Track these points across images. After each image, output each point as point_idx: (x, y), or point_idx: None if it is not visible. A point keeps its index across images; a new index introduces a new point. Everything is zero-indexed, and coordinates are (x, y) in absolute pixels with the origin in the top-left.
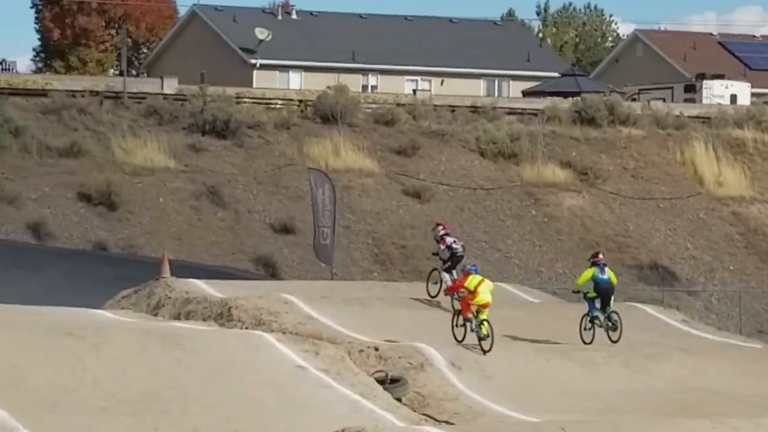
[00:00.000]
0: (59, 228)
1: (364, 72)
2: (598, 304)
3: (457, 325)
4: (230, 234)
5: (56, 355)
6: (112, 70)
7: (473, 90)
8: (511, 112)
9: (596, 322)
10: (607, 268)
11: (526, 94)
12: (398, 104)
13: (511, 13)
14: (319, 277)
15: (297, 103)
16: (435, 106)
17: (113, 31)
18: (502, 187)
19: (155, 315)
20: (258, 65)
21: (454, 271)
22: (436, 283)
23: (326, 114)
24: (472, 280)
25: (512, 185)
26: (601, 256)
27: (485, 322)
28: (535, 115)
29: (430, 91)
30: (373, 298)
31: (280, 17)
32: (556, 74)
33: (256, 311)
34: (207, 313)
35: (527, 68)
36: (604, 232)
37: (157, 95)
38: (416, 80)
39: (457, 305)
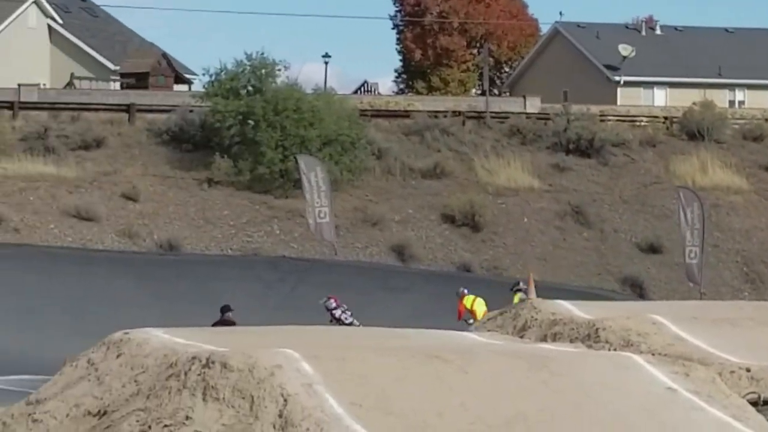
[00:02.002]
0: (423, 250)
1: (731, 87)
2: None
3: None
4: (596, 254)
5: (423, 379)
6: (474, 90)
7: None
8: None
9: None
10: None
11: None
12: (767, 119)
13: None
14: (687, 297)
15: (662, 120)
16: None
17: (475, 51)
18: None
19: (521, 337)
20: (622, 82)
21: None
22: None
23: (692, 131)
24: (467, 301)
25: None
26: (522, 284)
27: None
28: None
29: None
30: (744, 318)
31: (643, 33)
32: None
33: (624, 332)
34: (574, 334)
35: None
36: None
37: (520, 114)
38: None
39: None
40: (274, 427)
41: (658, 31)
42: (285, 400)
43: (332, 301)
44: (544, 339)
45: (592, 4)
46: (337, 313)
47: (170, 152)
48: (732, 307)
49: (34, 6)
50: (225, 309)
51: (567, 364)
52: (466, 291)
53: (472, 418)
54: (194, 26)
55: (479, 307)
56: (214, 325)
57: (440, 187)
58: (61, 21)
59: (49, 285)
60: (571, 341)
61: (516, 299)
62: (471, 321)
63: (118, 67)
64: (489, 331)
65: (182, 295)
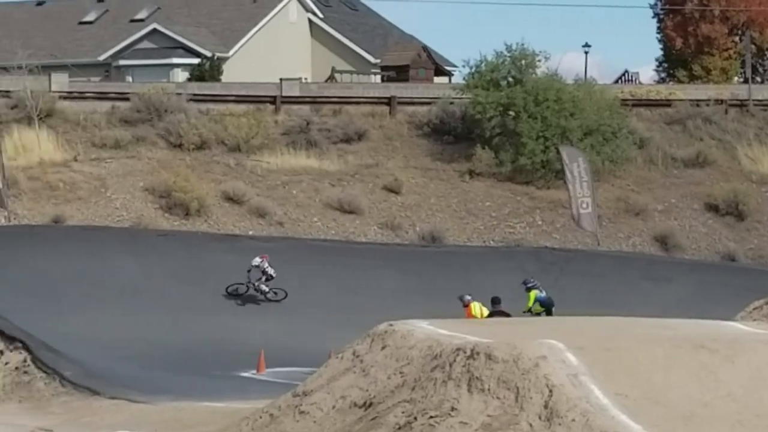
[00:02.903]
0: (686, 239)
1: None
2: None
3: None
4: None
5: (690, 369)
6: (736, 78)
7: None
8: None
9: None
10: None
11: None
12: None
13: None
14: None
15: None
16: None
17: (736, 38)
18: None
19: None
20: None
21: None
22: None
23: None
24: (474, 309)
25: None
26: (533, 280)
27: None
28: None
29: None
30: None
31: None
32: None
33: None
34: None
35: None
36: None
37: None
38: None
39: None
40: (540, 417)
41: None
42: (550, 391)
43: (265, 260)
44: None
45: None
46: (270, 270)
47: (431, 144)
48: None
49: (294, 1)
50: (496, 301)
51: None
52: (469, 298)
53: (740, 409)
54: (454, 18)
55: (486, 313)
56: (488, 316)
57: (703, 176)
58: (321, 15)
59: (313, 278)
60: None
61: (532, 297)
62: None
63: (378, 61)
64: (755, 320)
65: (445, 286)
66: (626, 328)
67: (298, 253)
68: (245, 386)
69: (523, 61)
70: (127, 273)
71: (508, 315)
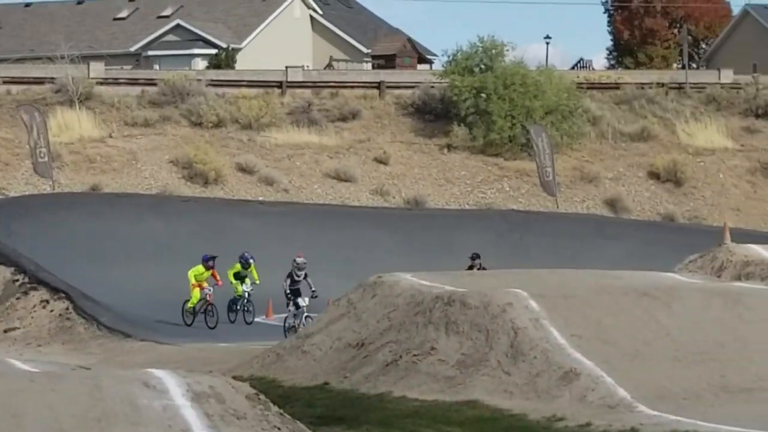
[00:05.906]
0: (632, 203)
1: None
2: None
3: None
4: None
5: (634, 313)
6: (675, 64)
7: None
8: None
9: None
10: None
11: None
12: None
13: None
14: None
15: None
16: None
17: (675, 31)
18: None
19: (719, 276)
20: None
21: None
22: None
23: None
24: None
25: None
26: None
27: None
28: None
29: None
30: None
31: None
32: None
33: None
34: (764, 273)
35: None
36: None
37: (715, 84)
38: None
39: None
40: (506, 355)
41: None
42: (515, 333)
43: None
44: (738, 278)
45: None
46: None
47: (415, 122)
48: None
49: (298, 0)
50: (476, 256)
51: (758, 299)
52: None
53: (677, 347)
54: (434, 14)
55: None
56: (469, 269)
57: (646, 148)
58: (321, 12)
59: (314, 237)
60: (762, 280)
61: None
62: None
63: (369, 51)
64: (690, 272)
65: (427, 244)
66: (581, 278)
67: (302, 216)
68: (256, 330)
69: (493, 51)
70: (155, 233)
71: (484, 269)
